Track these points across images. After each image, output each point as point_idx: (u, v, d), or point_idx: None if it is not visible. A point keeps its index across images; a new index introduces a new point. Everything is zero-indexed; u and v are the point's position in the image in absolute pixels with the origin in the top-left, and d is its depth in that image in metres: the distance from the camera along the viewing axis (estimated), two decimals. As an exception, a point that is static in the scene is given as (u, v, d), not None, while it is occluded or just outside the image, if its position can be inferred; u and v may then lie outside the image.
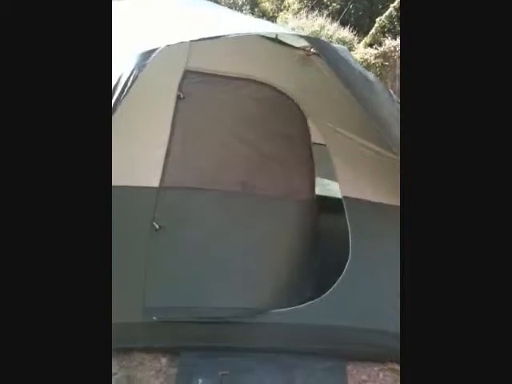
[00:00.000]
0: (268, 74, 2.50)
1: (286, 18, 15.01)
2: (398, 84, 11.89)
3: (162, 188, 2.11)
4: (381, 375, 2.14)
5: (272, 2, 16.71)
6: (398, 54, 12.07)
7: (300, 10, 15.34)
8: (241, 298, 2.18)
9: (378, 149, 2.22)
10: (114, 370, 2.02)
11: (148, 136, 2.12)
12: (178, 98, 2.13)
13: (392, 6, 13.60)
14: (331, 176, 2.47)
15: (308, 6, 15.45)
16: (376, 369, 2.18)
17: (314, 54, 2.34)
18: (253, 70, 2.48)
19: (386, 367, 2.18)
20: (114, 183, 1.26)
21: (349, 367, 2.17)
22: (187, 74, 2.16)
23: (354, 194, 2.31)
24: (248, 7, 16.78)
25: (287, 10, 15.96)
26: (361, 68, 1.97)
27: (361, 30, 14.32)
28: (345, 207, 2.28)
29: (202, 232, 2.19)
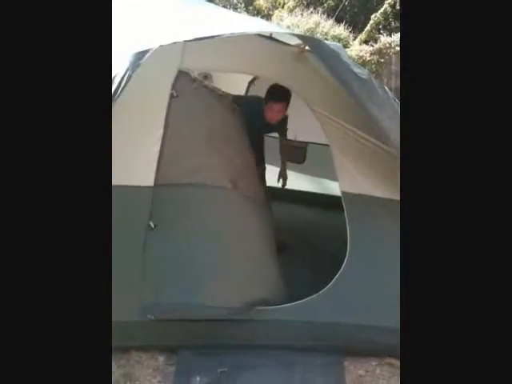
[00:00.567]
0: (263, 70, 2.52)
1: (281, 16, 14.99)
2: (393, 80, 11.91)
3: (156, 186, 2.12)
4: (378, 370, 2.15)
5: (267, 0, 16.68)
6: (393, 50, 12.09)
7: (295, 7, 15.32)
8: (237, 296, 2.19)
9: (376, 142, 2.23)
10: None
11: (142, 134, 2.13)
12: (172, 96, 2.13)
13: (387, 2, 13.60)
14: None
15: (303, 4, 15.43)
16: (373, 364, 2.19)
17: (308, 50, 2.36)
18: (247, 67, 2.50)
19: (383, 362, 2.19)
20: (108, 183, 1.26)
21: (346, 362, 2.18)
22: (181, 73, 2.17)
23: (352, 188, 2.31)
24: (243, 5, 16.75)
25: (282, 7, 15.93)
26: (355, 65, 1.98)
27: (356, 26, 14.32)
28: (343, 202, 2.28)
29: (198, 229, 2.19)
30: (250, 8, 16.61)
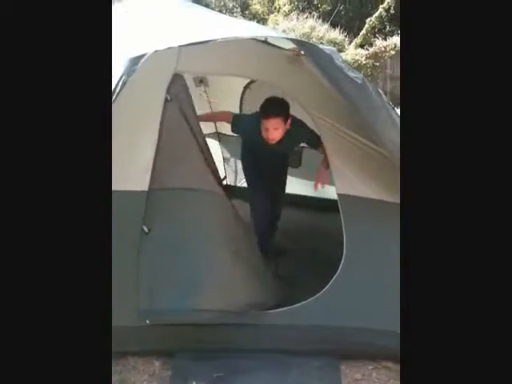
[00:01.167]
0: (259, 74, 2.53)
1: (276, 20, 15.06)
2: (388, 84, 11.97)
3: (151, 191, 2.12)
4: (374, 374, 2.15)
5: (263, 5, 16.76)
6: (388, 54, 12.17)
7: (290, 11, 15.41)
8: (232, 300, 2.19)
9: (371, 144, 2.24)
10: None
11: (137, 139, 2.13)
12: (166, 100, 2.14)
13: (381, 6, 13.71)
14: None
15: (299, 8, 15.52)
16: (370, 367, 2.19)
17: (303, 54, 2.36)
18: (243, 70, 2.50)
19: (379, 366, 2.19)
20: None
21: (342, 366, 2.17)
22: (175, 77, 2.17)
23: (348, 191, 2.31)
24: (239, 10, 16.81)
25: (278, 11, 16.01)
26: (349, 69, 1.98)
27: (351, 31, 14.41)
28: (339, 205, 2.29)
29: (192, 233, 2.19)
30: (246, 12, 16.67)
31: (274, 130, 2.49)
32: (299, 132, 2.66)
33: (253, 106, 3.00)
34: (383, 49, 12.29)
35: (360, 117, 1.99)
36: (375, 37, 13.27)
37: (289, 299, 2.30)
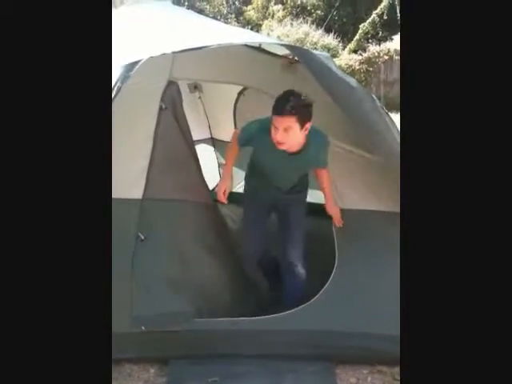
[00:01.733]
0: (252, 81, 2.54)
1: (270, 26, 15.13)
2: (382, 89, 12.05)
3: (145, 199, 2.12)
4: (369, 378, 2.15)
5: (257, 11, 16.84)
6: (381, 59, 12.26)
7: (284, 17, 15.49)
8: (226, 307, 2.19)
9: (362, 153, 2.25)
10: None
11: (132, 147, 2.13)
12: (161, 108, 2.14)
13: (374, 12, 13.82)
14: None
15: (292, 14, 15.61)
16: (365, 372, 2.19)
17: (297, 61, 2.38)
18: (236, 77, 2.52)
19: (374, 370, 2.19)
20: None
21: (338, 370, 2.17)
22: (170, 84, 2.18)
23: (340, 203, 2.36)
24: (233, 16, 16.89)
25: (272, 17, 16.09)
26: (343, 74, 1.99)
27: (345, 36, 14.51)
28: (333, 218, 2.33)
29: (187, 242, 2.21)
30: (241, 18, 16.75)
31: (284, 132, 1.96)
32: (319, 148, 2.17)
33: (246, 113, 3.01)
34: (377, 54, 12.39)
35: (354, 123, 2.01)
36: (368, 42, 13.37)
37: (282, 305, 2.31)
